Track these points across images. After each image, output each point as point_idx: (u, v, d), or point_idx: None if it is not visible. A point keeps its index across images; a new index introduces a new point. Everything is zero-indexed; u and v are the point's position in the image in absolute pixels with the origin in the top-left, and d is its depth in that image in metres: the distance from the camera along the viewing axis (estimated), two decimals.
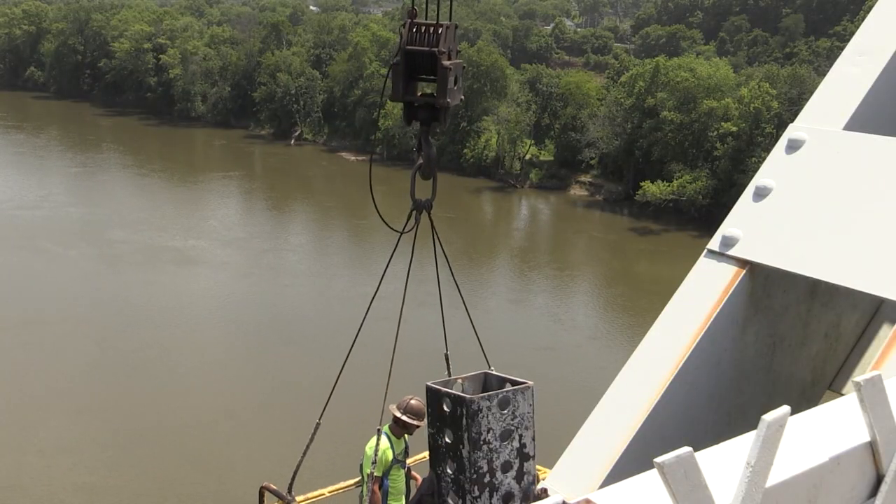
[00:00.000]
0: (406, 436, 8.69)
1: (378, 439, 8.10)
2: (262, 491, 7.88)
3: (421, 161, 6.95)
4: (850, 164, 3.50)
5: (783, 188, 3.60)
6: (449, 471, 5.62)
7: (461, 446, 5.45)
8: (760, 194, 3.63)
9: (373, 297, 7.41)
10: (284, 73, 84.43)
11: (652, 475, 1.65)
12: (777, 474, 1.73)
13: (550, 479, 3.38)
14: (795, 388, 4.05)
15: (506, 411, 5.52)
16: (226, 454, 26.94)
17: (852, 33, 4.08)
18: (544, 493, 3.38)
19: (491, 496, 5.49)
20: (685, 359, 3.37)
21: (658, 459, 1.55)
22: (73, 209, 57.11)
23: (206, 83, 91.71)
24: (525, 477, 5.63)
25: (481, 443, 5.42)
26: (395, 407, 8.40)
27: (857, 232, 3.31)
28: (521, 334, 38.44)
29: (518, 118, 70.37)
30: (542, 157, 72.68)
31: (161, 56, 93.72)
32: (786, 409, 1.69)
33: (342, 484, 8.41)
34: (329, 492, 8.07)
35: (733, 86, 65.96)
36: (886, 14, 3.96)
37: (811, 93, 4.09)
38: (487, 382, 6.27)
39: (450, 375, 8.70)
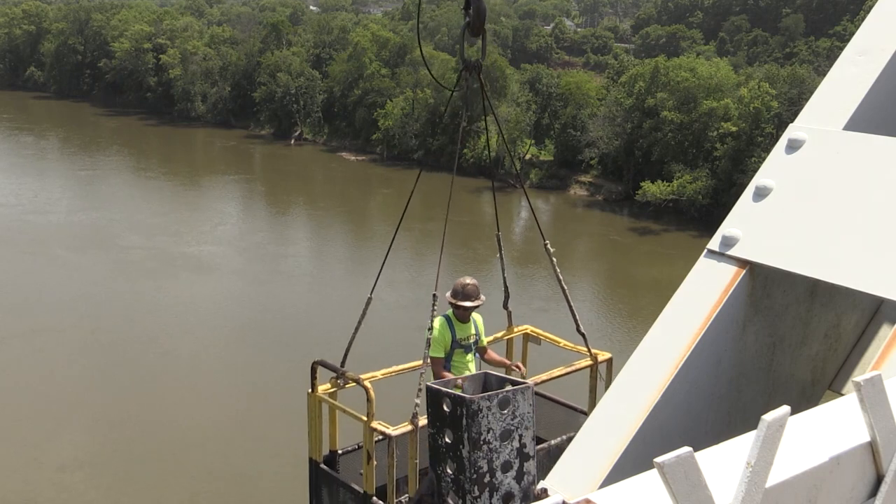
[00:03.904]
0: (479, 320, 8.40)
1: (440, 321, 7.95)
2: (314, 366, 7.79)
3: (468, 18, 6.80)
4: (850, 164, 3.50)
5: (783, 188, 3.60)
6: (449, 471, 5.62)
7: (461, 446, 5.46)
8: (760, 194, 3.63)
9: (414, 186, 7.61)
10: (284, 73, 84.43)
11: (652, 475, 1.65)
12: (777, 474, 1.73)
13: (550, 479, 3.38)
14: (795, 388, 4.06)
15: (506, 411, 5.52)
16: (245, 466, 26.37)
17: (852, 33, 4.08)
18: (544, 493, 3.38)
19: (491, 496, 5.50)
20: (685, 359, 3.37)
21: (658, 459, 1.55)
22: (84, 213, 56.61)
23: (206, 83, 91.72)
24: (525, 477, 5.63)
25: (481, 443, 5.42)
26: (450, 292, 8.18)
27: (857, 232, 3.31)
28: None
29: (518, 118, 70.38)
30: (542, 157, 72.69)
31: (161, 56, 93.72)
32: (786, 409, 1.70)
33: (394, 367, 8.20)
34: (382, 374, 7.88)
35: (733, 86, 65.97)
36: (886, 14, 3.96)
37: (811, 93, 4.09)
38: (487, 382, 6.28)
39: (502, 258, 8.68)
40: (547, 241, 8.50)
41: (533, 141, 72.50)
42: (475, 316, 8.35)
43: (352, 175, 72.54)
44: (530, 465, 5.67)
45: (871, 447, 1.97)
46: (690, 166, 62.03)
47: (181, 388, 31.57)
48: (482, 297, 8.08)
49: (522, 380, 6.13)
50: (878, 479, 2.01)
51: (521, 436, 5.60)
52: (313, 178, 74.51)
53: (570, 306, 8.27)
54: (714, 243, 3.64)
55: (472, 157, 69.77)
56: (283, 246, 53.00)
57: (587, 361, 8.29)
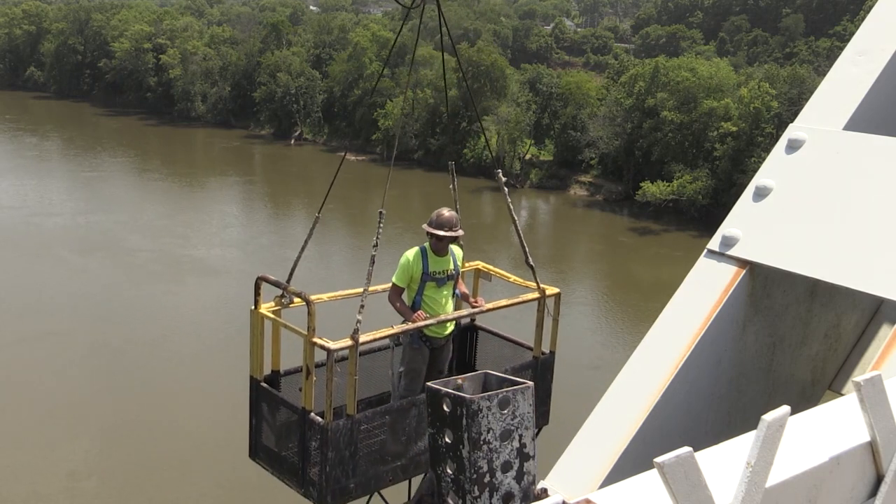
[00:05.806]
0: (460, 255, 8.28)
1: (415, 251, 7.89)
2: (258, 282, 7.69)
3: None
4: (850, 164, 3.49)
5: (783, 188, 3.60)
6: (449, 471, 5.62)
7: (461, 446, 5.45)
8: (760, 194, 3.63)
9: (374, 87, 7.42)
10: (284, 73, 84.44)
11: (652, 475, 1.65)
12: (777, 474, 1.73)
13: (550, 479, 3.38)
14: (795, 388, 4.05)
15: (506, 411, 5.52)
16: (258, 477, 26.18)
17: (852, 33, 4.08)
18: (544, 493, 3.38)
19: (491, 496, 5.49)
20: (685, 359, 3.37)
21: (658, 459, 1.55)
22: (90, 216, 56.27)
23: (206, 83, 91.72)
24: (525, 477, 5.63)
25: (481, 443, 5.42)
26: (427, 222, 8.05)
27: (857, 232, 3.30)
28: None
29: (518, 118, 70.37)
30: (542, 157, 72.69)
31: (161, 56, 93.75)
32: (786, 409, 1.69)
33: (341, 292, 8.16)
34: (328, 297, 7.85)
35: (733, 86, 65.98)
36: (886, 14, 3.96)
37: (811, 93, 4.09)
38: (487, 382, 6.28)
39: (454, 189, 8.64)
40: (499, 171, 8.56)
41: (533, 141, 72.49)
42: (455, 249, 8.20)
43: (352, 175, 72.44)
44: (530, 465, 5.67)
45: (871, 447, 1.96)
46: (690, 166, 62.04)
47: (189, 393, 31.27)
48: (461, 230, 7.96)
49: (522, 380, 6.12)
50: (878, 479, 2.01)
51: (521, 436, 5.59)
52: (314, 179, 74.45)
53: (521, 238, 8.26)
54: (714, 243, 3.63)
55: (471, 157, 69.74)
56: (289, 249, 52.85)
57: (534, 295, 8.25)
